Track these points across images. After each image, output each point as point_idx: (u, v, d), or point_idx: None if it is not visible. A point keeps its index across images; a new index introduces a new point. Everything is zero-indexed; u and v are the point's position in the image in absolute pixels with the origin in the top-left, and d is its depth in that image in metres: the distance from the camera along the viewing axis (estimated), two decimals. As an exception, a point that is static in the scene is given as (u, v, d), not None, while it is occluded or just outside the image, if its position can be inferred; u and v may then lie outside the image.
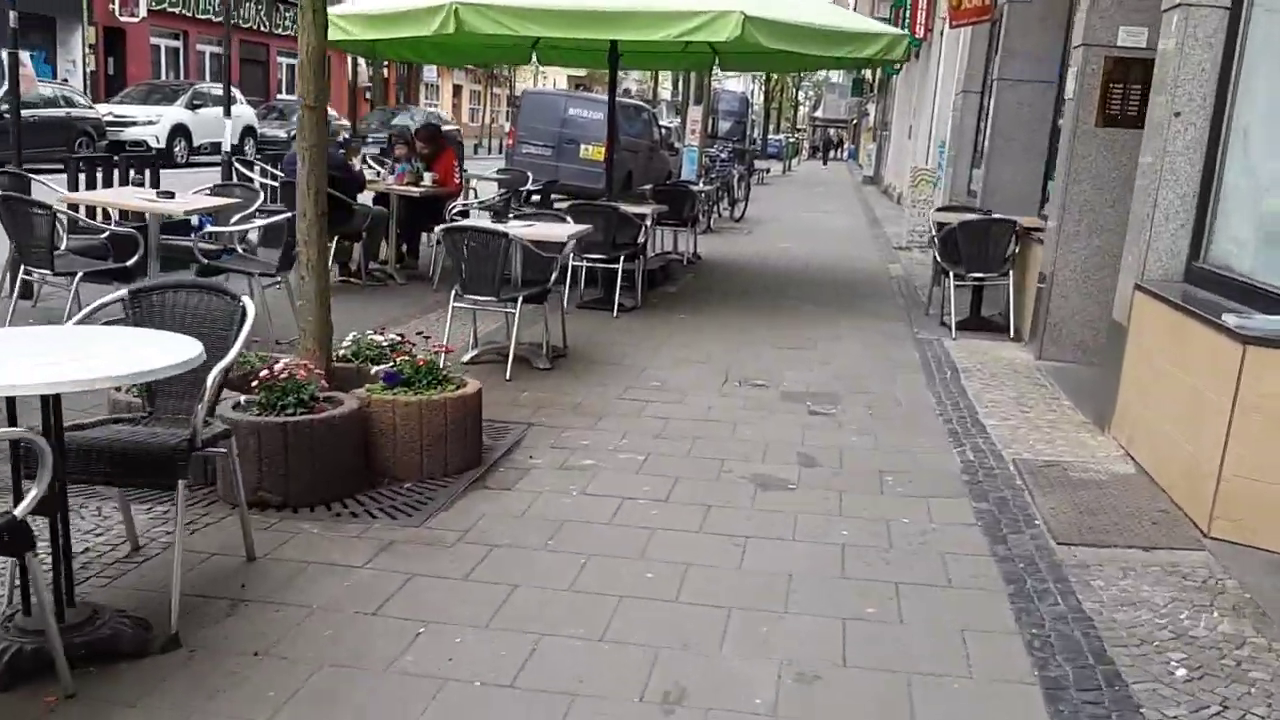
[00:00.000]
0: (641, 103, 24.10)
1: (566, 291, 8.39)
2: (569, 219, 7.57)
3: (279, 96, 38.50)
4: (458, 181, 9.88)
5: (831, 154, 55.22)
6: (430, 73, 53.45)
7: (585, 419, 5.37)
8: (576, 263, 8.50)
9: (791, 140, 47.95)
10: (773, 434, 5.25)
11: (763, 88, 70.22)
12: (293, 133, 27.31)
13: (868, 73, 54.11)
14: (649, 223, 8.89)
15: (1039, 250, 7.58)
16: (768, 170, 33.81)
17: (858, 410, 5.78)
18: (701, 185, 13.39)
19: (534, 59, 12.05)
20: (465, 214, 9.66)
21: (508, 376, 6.05)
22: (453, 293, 6.26)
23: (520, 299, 6.12)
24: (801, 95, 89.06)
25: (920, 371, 6.80)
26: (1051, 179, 8.57)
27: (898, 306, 9.44)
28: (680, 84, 36.18)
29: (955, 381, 6.48)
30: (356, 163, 9.13)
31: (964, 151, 13.20)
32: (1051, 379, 6.58)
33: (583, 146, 18.67)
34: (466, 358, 6.41)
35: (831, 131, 74.76)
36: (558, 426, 5.21)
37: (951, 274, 7.92)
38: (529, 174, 12.88)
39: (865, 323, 8.47)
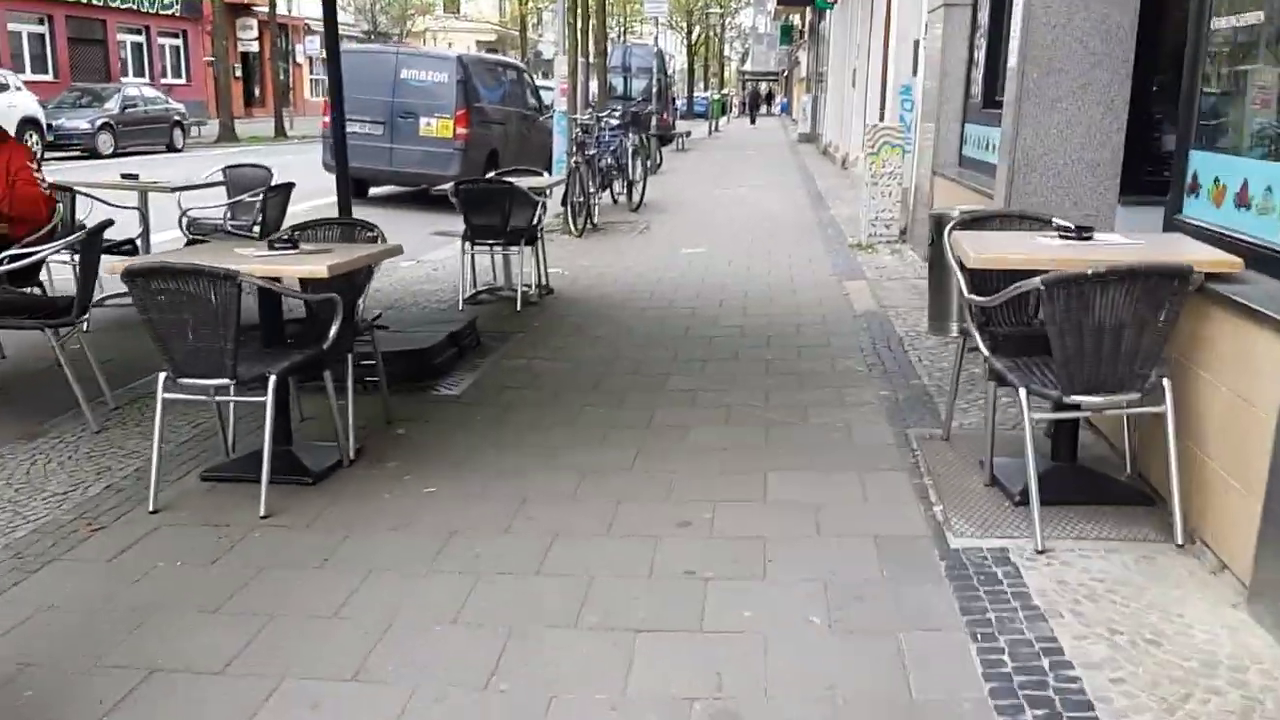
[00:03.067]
0: (508, 59, 19.35)
1: (154, 474, 3.75)
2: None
3: (124, 79, 32.96)
4: (40, 192, 5.13)
5: (761, 110, 50.40)
6: (313, 43, 47.78)
7: None
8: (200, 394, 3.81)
9: (717, 98, 43.27)
10: None
11: (684, 41, 65.51)
12: (101, 121, 22.12)
13: (796, 18, 49.36)
14: (363, 296, 4.21)
15: (1245, 330, 3.03)
16: (688, 134, 29.18)
17: None
18: (549, 178, 8.62)
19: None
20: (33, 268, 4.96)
21: None
22: None
23: None
24: (729, 49, 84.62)
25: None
26: (1194, 145, 4.00)
27: (879, 410, 4.81)
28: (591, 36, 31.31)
29: None
30: None
31: (949, 99, 8.65)
32: None
33: (423, 121, 13.85)
34: None
35: (763, 86, 70.45)
36: None
37: (1025, 394, 3.32)
38: (271, 172, 8.11)
39: (821, 482, 3.88)
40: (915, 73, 11.75)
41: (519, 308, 7.10)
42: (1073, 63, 5.72)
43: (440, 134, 13.84)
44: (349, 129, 14.19)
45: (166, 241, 7.18)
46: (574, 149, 11.40)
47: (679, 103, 58.48)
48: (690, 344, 6.14)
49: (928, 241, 6.17)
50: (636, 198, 13.52)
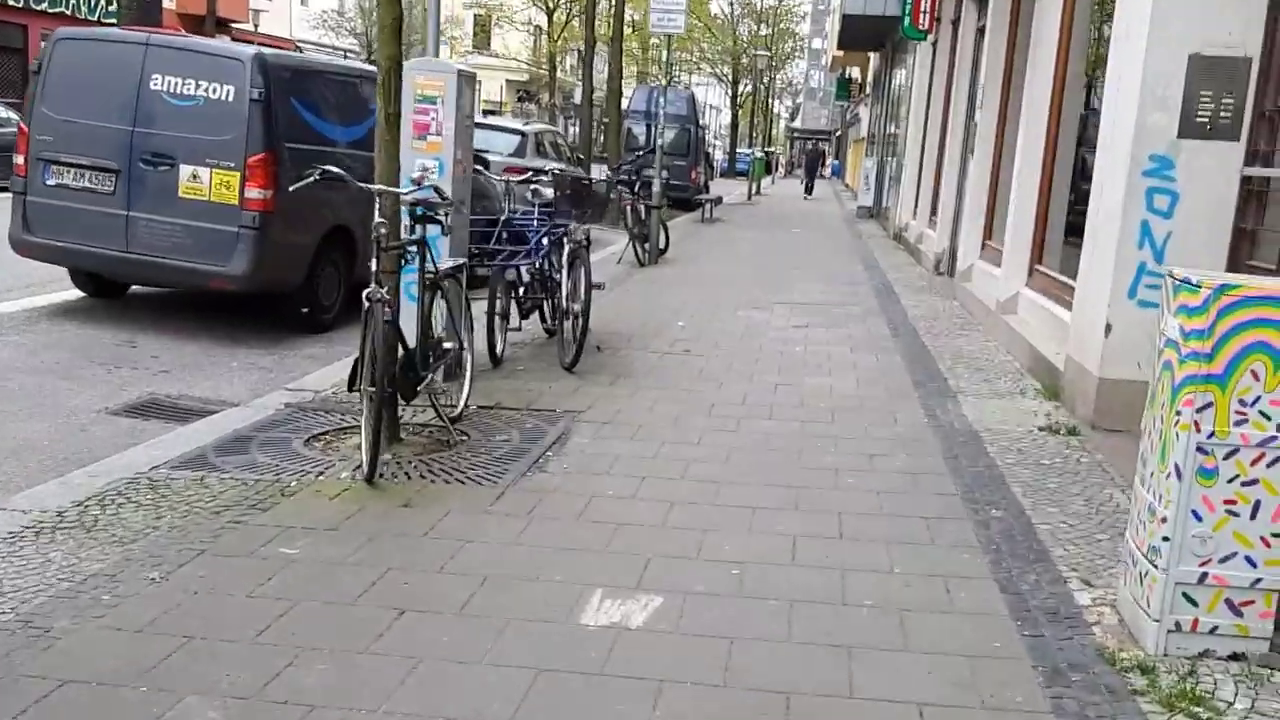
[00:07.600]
0: (367, 68, 12.64)
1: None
2: None
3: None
4: None
5: (820, 171, 42.92)
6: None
7: None
8: None
9: (759, 157, 36.68)
10: None
11: (728, 91, 59.37)
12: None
13: (855, 71, 42.75)
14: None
15: None
16: (718, 200, 22.55)
17: None
18: None
19: None
20: None
21: None
22: None
23: None
24: (778, 105, 78.61)
25: None
26: None
27: None
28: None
29: None
30: None
31: None
32: None
33: (185, 171, 7.28)
34: None
35: (823, 145, 63.70)
36: None
37: None
38: None
39: None
40: (1197, 130, 5.06)
41: None
42: None
43: (216, 196, 7.26)
44: (56, 181, 7.61)
45: None
46: (381, 259, 4.73)
47: (719, 159, 51.81)
48: None
49: None
50: (573, 345, 6.80)
